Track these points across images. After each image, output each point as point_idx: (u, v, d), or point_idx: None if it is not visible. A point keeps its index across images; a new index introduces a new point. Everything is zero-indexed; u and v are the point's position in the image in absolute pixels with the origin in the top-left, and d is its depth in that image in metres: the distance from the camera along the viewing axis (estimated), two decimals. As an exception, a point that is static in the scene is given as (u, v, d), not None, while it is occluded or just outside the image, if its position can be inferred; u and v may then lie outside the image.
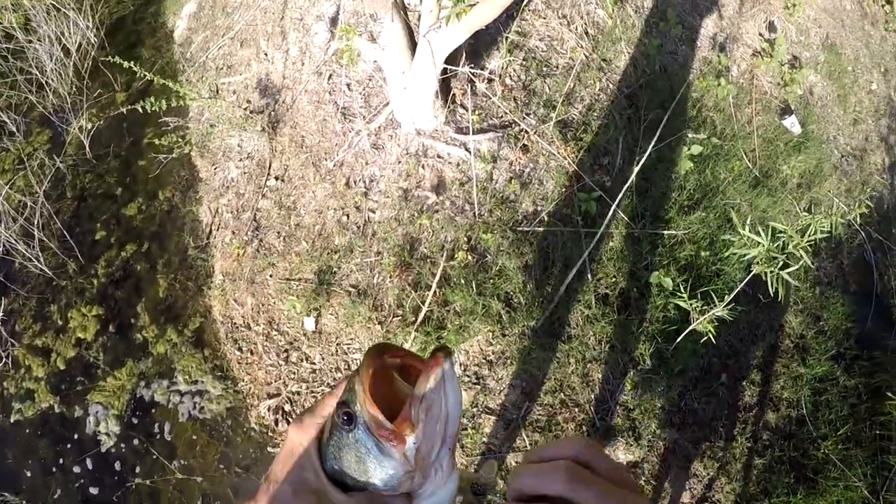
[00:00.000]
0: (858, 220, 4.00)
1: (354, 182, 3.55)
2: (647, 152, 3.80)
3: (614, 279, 3.58)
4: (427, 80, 3.21)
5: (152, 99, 3.57)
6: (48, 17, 4.87)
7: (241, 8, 4.41)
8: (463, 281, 3.36)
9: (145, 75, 3.66)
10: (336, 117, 3.67)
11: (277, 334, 3.61)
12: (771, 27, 5.13)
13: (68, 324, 3.93)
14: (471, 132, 3.44)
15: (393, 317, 3.40)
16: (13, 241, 3.96)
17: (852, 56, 5.32)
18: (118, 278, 4.08)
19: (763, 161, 4.42)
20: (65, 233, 4.18)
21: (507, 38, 3.84)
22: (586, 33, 4.23)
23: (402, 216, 3.47)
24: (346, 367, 3.50)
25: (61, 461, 3.61)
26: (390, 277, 3.43)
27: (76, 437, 3.64)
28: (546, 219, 3.59)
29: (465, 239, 3.46)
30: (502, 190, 3.56)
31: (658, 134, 3.90)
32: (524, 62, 3.88)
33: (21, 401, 3.76)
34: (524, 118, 3.68)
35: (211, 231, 3.94)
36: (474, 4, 2.67)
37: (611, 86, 4.16)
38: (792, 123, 4.66)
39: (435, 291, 3.32)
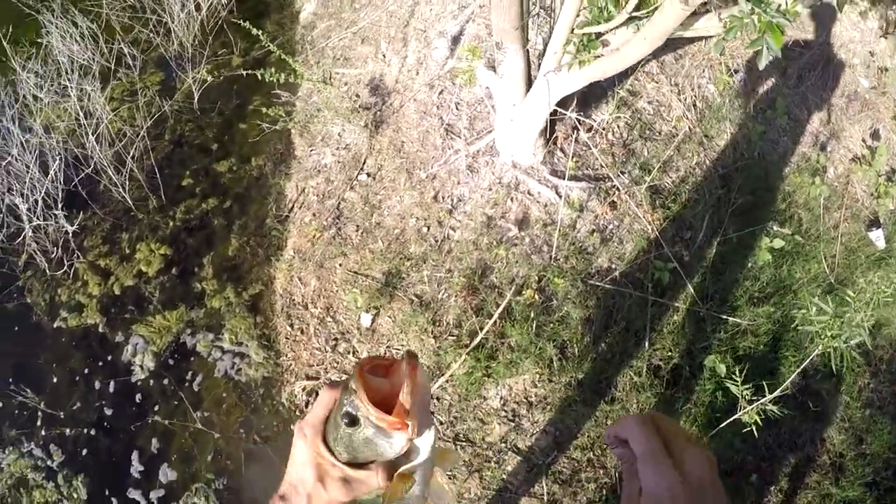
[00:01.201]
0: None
1: (443, 198, 3.64)
2: (730, 236, 3.80)
3: (670, 353, 3.58)
4: (536, 117, 3.29)
5: (272, 70, 3.72)
6: None
7: (370, 7, 4.56)
8: (524, 318, 3.41)
9: (268, 46, 3.79)
10: (438, 132, 3.77)
11: (332, 321, 3.71)
12: (875, 135, 5.03)
13: (135, 254, 4.09)
14: (566, 177, 3.50)
15: (448, 335, 3.47)
16: (105, 164, 4.16)
17: None
18: (193, 226, 4.24)
19: (841, 269, 4.35)
20: (155, 170, 4.36)
21: (618, 93, 3.89)
22: (694, 105, 4.25)
23: (480, 241, 3.55)
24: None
25: (89, 376, 3.77)
26: (455, 297, 3.50)
27: (111, 359, 3.79)
28: (618, 278, 3.62)
29: (536, 278, 3.51)
30: (583, 240, 3.61)
31: (744, 220, 3.89)
32: (629, 121, 3.93)
33: (69, 311, 3.93)
34: (619, 175, 3.72)
35: (293, 208, 4.08)
36: (599, 56, 2.73)
37: (707, 162, 4.17)
38: (878, 237, 4.57)
39: (495, 321, 3.37)
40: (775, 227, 4.14)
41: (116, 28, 4.97)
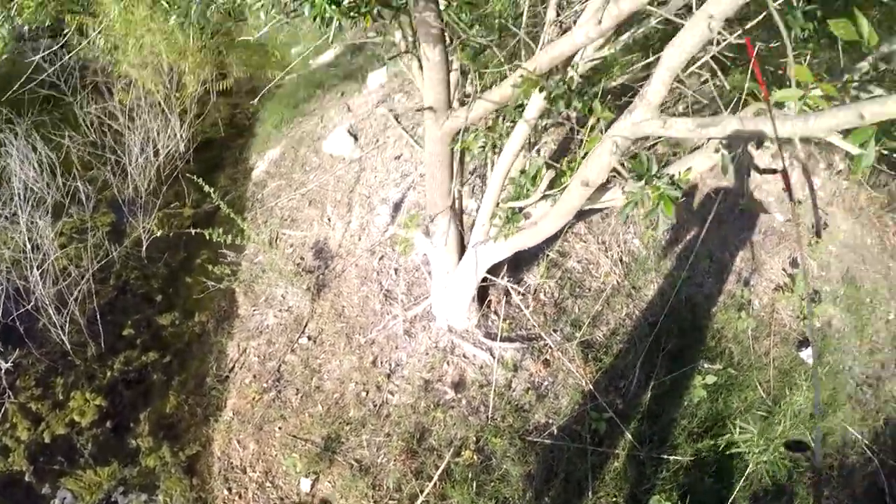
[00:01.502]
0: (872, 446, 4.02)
1: (381, 362, 3.76)
2: (663, 379, 3.97)
3: (615, 499, 3.64)
4: (468, 284, 3.49)
5: (220, 230, 3.86)
6: (151, 114, 5.27)
7: (319, 170, 4.83)
8: (464, 479, 3.45)
9: (218, 204, 3.93)
10: (378, 297, 3.94)
11: (271, 486, 3.67)
12: (794, 263, 5.27)
13: (69, 402, 3.96)
14: (498, 339, 3.67)
15: (389, 499, 3.47)
16: (46, 302, 4.06)
17: (871, 288, 5.38)
18: (131, 379, 4.16)
19: (777, 392, 4.48)
20: (97, 315, 4.29)
21: (548, 256, 4.16)
22: (621, 260, 4.55)
23: (418, 405, 3.64)
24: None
25: (10, 527, 3.53)
26: (395, 460, 3.53)
27: (35, 511, 3.56)
28: (555, 432, 3.72)
29: (475, 439, 3.58)
30: (518, 398, 3.73)
31: (676, 362, 4.08)
32: (560, 281, 4.17)
33: (-5, 453, 3.70)
34: (551, 334, 3.91)
35: (234, 368, 4.11)
36: (521, 228, 2.99)
37: (637, 312, 4.41)
38: (808, 355, 4.73)
39: (435, 483, 3.40)
40: (706, 365, 4.33)
41: (75, 162, 5.04)
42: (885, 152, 1.86)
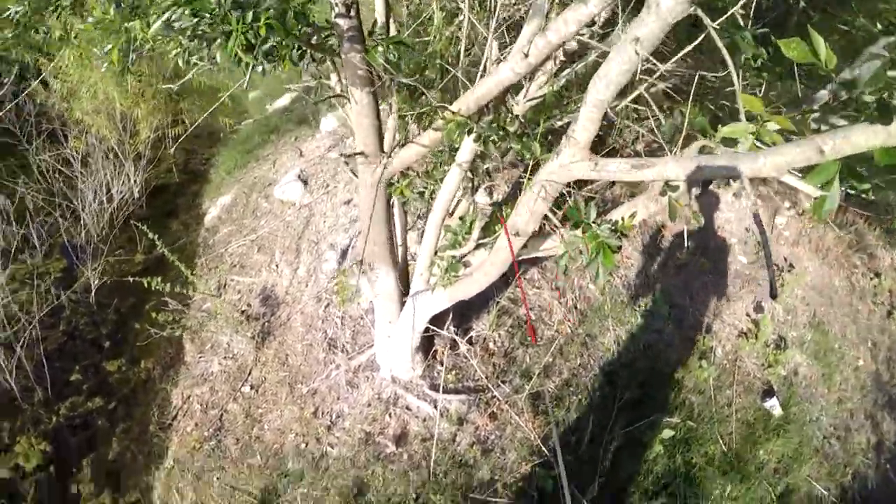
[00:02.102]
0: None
1: (322, 413, 3.67)
2: (618, 433, 3.87)
3: None
4: (409, 335, 3.43)
5: (159, 279, 3.81)
6: (105, 160, 5.27)
7: (270, 215, 4.81)
8: (401, 539, 3.35)
9: (165, 252, 3.93)
10: (322, 346, 3.88)
11: (206, 540, 3.56)
12: (758, 307, 5.11)
13: (13, 446, 3.89)
14: (442, 391, 3.59)
15: (323, 558, 3.36)
16: None
17: (839, 333, 5.14)
18: (77, 425, 4.08)
19: (739, 445, 4.33)
20: (44, 361, 4.24)
21: (498, 302, 4.11)
22: (576, 307, 4.50)
23: (358, 459, 3.54)
24: None
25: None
26: (331, 517, 3.43)
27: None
28: (500, 489, 3.61)
29: (414, 495, 3.48)
30: (463, 453, 3.63)
31: (632, 415, 3.98)
32: (510, 329, 4.12)
33: (-64, 495, 3.61)
34: (499, 385, 3.84)
35: (177, 415, 4.02)
36: (459, 278, 2.92)
37: (591, 362, 4.34)
38: (773, 405, 4.54)
39: (371, 543, 3.30)
40: (665, 419, 4.23)
41: (29, 208, 5.00)
42: (852, 192, 1.59)
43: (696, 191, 2.25)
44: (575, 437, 4.00)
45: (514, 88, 2.29)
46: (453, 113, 2.12)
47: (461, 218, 2.87)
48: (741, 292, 5.28)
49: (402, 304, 3.40)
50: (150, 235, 3.92)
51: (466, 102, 2.12)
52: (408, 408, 3.65)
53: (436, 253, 2.96)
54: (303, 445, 3.62)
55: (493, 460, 3.69)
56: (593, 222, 1.97)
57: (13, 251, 4.81)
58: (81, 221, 5.09)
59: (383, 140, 2.59)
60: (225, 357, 4.11)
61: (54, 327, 4.57)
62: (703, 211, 5.40)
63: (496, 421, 3.78)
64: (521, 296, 4.34)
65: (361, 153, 2.57)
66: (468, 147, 2.50)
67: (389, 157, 2.58)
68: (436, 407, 3.63)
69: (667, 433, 4.02)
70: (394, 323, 3.46)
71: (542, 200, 2.15)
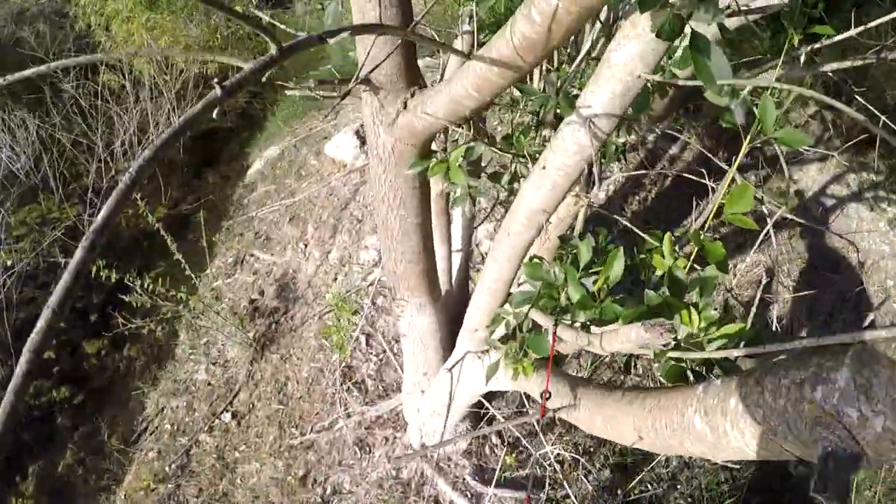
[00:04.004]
0: None
1: (314, 481, 2.46)
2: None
3: None
4: (452, 401, 2.12)
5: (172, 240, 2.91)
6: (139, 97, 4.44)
7: (314, 177, 3.70)
8: None
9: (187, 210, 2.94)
10: (334, 376, 2.66)
11: None
12: None
13: None
14: (493, 483, 2.29)
15: None
16: None
17: None
18: (34, 417, 3.37)
19: None
20: (20, 330, 3.50)
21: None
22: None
23: (350, 568, 2.32)
24: None
25: None
26: None
27: None
28: None
29: None
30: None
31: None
32: (611, 381, 2.74)
33: None
34: (578, 480, 2.50)
35: (145, 430, 3.04)
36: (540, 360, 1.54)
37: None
38: None
39: None
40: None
41: (64, 146, 4.34)
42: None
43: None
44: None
45: None
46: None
47: (564, 240, 1.46)
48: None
49: (445, 355, 2.09)
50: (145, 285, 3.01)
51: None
52: (436, 501, 2.36)
53: (506, 301, 1.57)
54: (278, 528, 2.45)
55: None
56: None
57: (34, 191, 4.23)
58: (102, 162, 4.29)
59: (414, 53, 1.32)
60: (215, 363, 3.04)
61: (46, 287, 3.81)
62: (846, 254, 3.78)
63: (567, 538, 2.44)
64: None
65: (366, 80, 1.33)
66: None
67: (420, 89, 1.31)
68: (480, 505, 2.34)
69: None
70: (430, 376, 2.19)
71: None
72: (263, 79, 0.67)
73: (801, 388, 0.59)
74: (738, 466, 2.78)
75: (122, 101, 4.44)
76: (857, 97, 1.94)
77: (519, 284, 1.49)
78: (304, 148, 4.01)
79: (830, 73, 1.94)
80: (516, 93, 1.80)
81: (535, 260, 1.38)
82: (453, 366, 1.81)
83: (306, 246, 3.30)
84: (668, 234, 1.15)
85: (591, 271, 1.30)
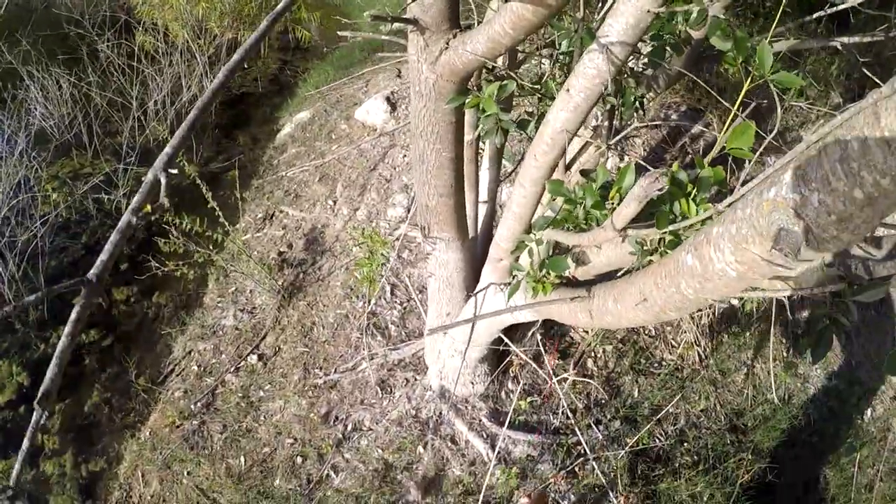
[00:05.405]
0: None
1: (335, 419, 2.59)
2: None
3: None
4: (476, 337, 2.23)
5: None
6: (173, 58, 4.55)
7: (344, 140, 3.82)
8: None
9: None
10: (359, 321, 2.78)
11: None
12: None
13: None
14: (506, 425, 2.39)
15: None
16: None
17: None
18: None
19: None
20: (53, 276, 3.61)
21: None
22: (711, 327, 3.13)
23: (366, 499, 2.43)
24: None
25: None
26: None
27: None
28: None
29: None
30: (518, 523, 2.44)
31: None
32: (621, 344, 2.84)
33: None
34: (589, 427, 2.59)
35: (171, 371, 3.16)
36: (564, 281, 1.63)
37: (719, 408, 3.00)
38: None
39: None
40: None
41: (98, 103, 4.45)
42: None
43: None
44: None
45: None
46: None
47: (585, 173, 1.54)
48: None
49: (469, 294, 2.19)
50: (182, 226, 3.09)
51: None
52: (453, 440, 2.47)
53: (529, 230, 1.67)
54: (299, 460, 2.58)
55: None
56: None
57: (68, 146, 4.35)
58: (140, 122, 4.40)
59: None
60: (243, 309, 3.16)
61: (77, 237, 3.94)
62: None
63: (576, 482, 2.54)
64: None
65: (412, 20, 1.43)
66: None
67: (462, 30, 1.42)
68: (493, 447, 2.44)
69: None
70: (453, 316, 2.29)
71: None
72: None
73: (759, 194, 0.75)
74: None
75: (156, 62, 4.57)
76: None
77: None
78: (334, 113, 4.13)
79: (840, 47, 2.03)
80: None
81: (558, 178, 1.50)
82: (477, 292, 1.90)
83: (335, 203, 3.42)
84: (676, 163, 1.29)
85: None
